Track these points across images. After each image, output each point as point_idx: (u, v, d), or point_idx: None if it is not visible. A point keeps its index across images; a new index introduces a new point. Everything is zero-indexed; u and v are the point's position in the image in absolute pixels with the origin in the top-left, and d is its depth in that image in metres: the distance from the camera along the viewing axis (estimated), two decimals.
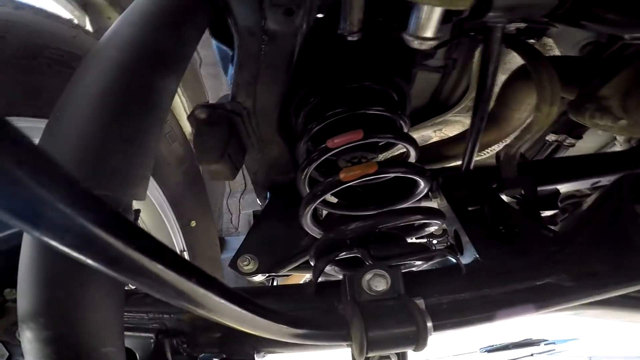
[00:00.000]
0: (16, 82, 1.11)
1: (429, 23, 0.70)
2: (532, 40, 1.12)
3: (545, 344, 6.82)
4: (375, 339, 0.67)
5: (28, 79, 1.14)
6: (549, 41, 1.20)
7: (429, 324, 0.69)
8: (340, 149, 0.91)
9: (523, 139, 1.04)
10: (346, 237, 0.92)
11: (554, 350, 6.74)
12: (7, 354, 1.01)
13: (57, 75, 1.19)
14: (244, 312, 0.50)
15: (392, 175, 0.99)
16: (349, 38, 0.81)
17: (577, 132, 1.69)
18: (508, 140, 1.45)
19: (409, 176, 0.95)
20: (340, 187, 0.91)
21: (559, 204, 1.39)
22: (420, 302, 0.71)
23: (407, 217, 0.94)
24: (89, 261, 0.36)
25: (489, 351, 6.72)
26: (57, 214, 0.32)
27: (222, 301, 0.47)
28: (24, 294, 0.57)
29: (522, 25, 1.02)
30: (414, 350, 0.72)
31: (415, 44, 0.74)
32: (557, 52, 1.25)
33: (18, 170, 0.30)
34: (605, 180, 1.47)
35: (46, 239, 0.33)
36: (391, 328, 0.68)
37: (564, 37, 1.20)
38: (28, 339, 0.57)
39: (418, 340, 0.69)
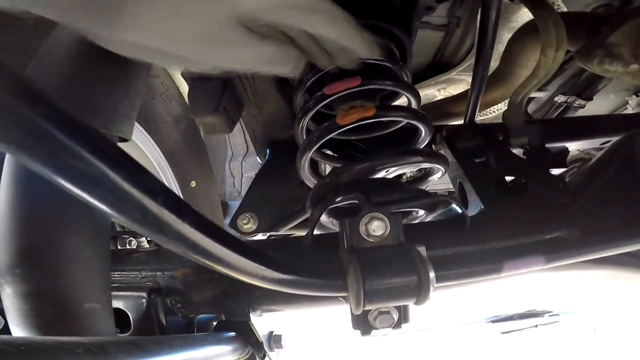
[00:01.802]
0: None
1: None
2: None
3: (549, 316, 6.88)
4: (374, 289, 0.62)
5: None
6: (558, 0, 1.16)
7: (432, 274, 0.64)
8: (337, 95, 0.87)
9: (529, 84, 1.00)
10: (343, 182, 0.89)
11: (558, 321, 6.80)
12: (3, 321, 0.98)
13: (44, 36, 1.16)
14: (233, 254, 0.48)
15: (391, 119, 0.96)
16: None
17: (588, 93, 1.65)
18: None
19: (409, 121, 0.91)
20: (337, 132, 0.88)
21: (567, 163, 1.36)
22: (422, 250, 0.67)
23: (407, 159, 0.90)
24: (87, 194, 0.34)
25: (493, 321, 6.79)
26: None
27: (213, 242, 0.44)
28: (1, 243, 0.55)
29: None
30: (415, 304, 0.68)
31: None
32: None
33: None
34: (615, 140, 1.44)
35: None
36: (391, 277, 0.63)
37: None
38: (7, 294, 0.55)
39: (420, 292, 0.64)
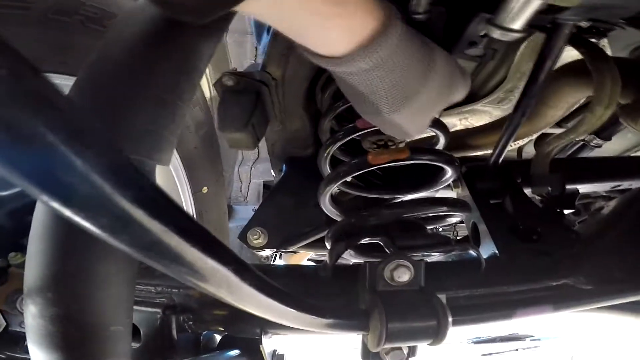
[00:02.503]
0: (49, 38, 1.08)
1: (521, 14, 0.63)
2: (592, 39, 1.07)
3: (530, 340, 6.92)
4: (395, 330, 0.65)
5: (61, 35, 1.11)
6: (604, 41, 1.15)
7: (450, 319, 0.67)
8: (368, 130, 0.87)
9: (565, 138, 1.01)
10: (368, 223, 0.89)
11: (539, 346, 6.84)
12: (5, 323, 0.95)
13: (89, 33, 1.15)
14: (265, 297, 0.48)
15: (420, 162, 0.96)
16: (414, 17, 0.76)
17: (607, 133, 1.64)
18: (534, 136, 1.42)
19: (439, 164, 0.92)
20: (365, 170, 0.88)
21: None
22: (443, 297, 0.69)
23: (434, 208, 0.91)
24: (117, 241, 0.33)
25: (475, 343, 6.82)
26: (92, 188, 0.28)
27: (247, 286, 0.44)
28: (33, 264, 0.54)
29: (586, 23, 0.97)
30: (430, 345, 0.70)
31: (497, 34, 0.68)
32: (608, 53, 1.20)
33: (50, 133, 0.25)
34: (626, 184, 1.44)
35: (77, 218, 0.29)
36: (412, 321, 0.66)
37: (618, 38, 1.16)
38: (32, 314, 0.54)
39: (437, 335, 0.67)
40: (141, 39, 0.63)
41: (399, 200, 0.96)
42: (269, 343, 0.97)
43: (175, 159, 1.42)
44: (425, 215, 0.94)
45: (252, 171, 2.02)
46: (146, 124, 0.59)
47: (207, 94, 1.62)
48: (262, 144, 1.49)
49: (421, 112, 0.68)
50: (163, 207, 0.34)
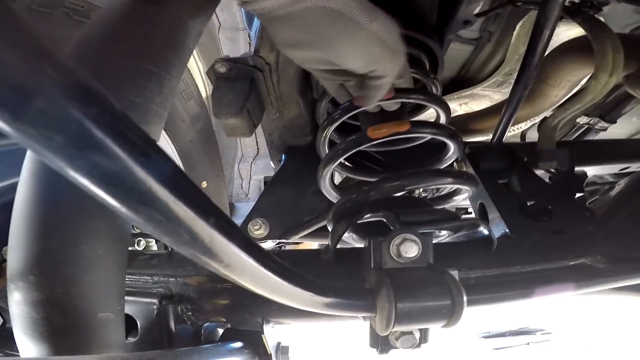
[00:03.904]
0: None
1: None
2: None
3: (542, 334, 6.86)
4: (405, 311, 0.59)
5: (46, 28, 1.08)
6: (600, 19, 1.14)
7: (465, 298, 0.61)
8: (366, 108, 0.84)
9: (571, 108, 0.98)
10: (370, 199, 0.86)
11: (550, 340, 6.78)
12: (2, 320, 0.93)
13: (76, 26, 1.13)
14: (265, 270, 0.44)
15: (421, 135, 0.93)
16: None
17: (612, 116, 1.61)
18: (537, 119, 1.39)
19: (440, 138, 0.88)
20: (366, 146, 0.84)
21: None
22: (455, 273, 0.64)
23: (438, 179, 0.87)
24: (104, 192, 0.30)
25: (486, 337, 6.76)
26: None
27: (244, 254, 0.41)
28: (15, 246, 0.51)
29: None
30: (444, 327, 0.64)
31: None
32: None
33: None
34: (634, 167, 1.42)
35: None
36: (423, 300, 0.60)
37: (615, 17, 1.14)
38: (16, 301, 0.51)
39: (452, 315, 0.61)
40: (126, 16, 0.62)
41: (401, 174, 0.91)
42: (272, 334, 0.94)
43: (173, 152, 1.41)
44: (429, 189, 0.90)
45: (252, 167, 2.00)
46: (133, 96, 0.56)
47: (203, 92, 1.61)
48: (262, 140, 1.46)
49: (390, 22, 0.66)
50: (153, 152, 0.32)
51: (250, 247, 0.41)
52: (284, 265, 0.47)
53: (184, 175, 0.36)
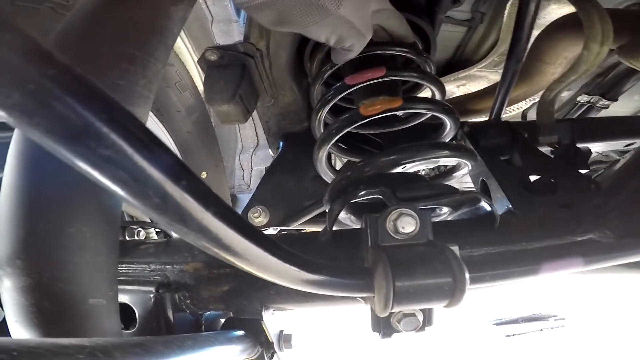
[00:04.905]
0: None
1: None
2: None
3: (555, 320, 6.83)
4: (404, 289, 0.55)
5: (31, 22, 1.08)
6: None
7: (467, 275, 0.57)
8: (359, 86, 0.82)
9: (566, 80, 0.96)
10: (366, 175, 0.83)
11: (564, 326, 6.75)
12: (4, 313, 0.94)
13: (61, 20, 1.13)
14: (256, 247, 0.43)
15: (416, 111, 0.91)
16: None
17: (613, 93, 1.59)
18: (537, 98, 1.37)
19: (436, 114, 0.86)
20: (359, 123, 0.83)
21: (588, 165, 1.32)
22: (455, 249, 0.60)
23: (435, 152, 0.84)
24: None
25: (498, 324, 6.74)
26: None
27: (234, 232, 0.40)
28: (2, 231, 0.50)
29: None
30: (446, 306, 0.61)
31: None
32: None
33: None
34: (639, 142, 1.40)
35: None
36: (423, 277, 0.56)
37: None
38: (6, 287, 0.50)
39: (454, 294, 0.57)
40: (107, 4, 0.63)
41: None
42: (273, 322, 0.94)
43: (170, 142, 1.41)
44: (427, 164, 0.88)
45: (253, 158, 2.00)
46: (116, 79, 0.56)
47: (199, 85, 1.61)
48: (261, 131, 1.44)
49: (358, 2, 0.70)
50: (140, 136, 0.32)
51: (237, 221, 0.40)
52: (273, 241, 0.46)
53: (167, 149, 0.35)
